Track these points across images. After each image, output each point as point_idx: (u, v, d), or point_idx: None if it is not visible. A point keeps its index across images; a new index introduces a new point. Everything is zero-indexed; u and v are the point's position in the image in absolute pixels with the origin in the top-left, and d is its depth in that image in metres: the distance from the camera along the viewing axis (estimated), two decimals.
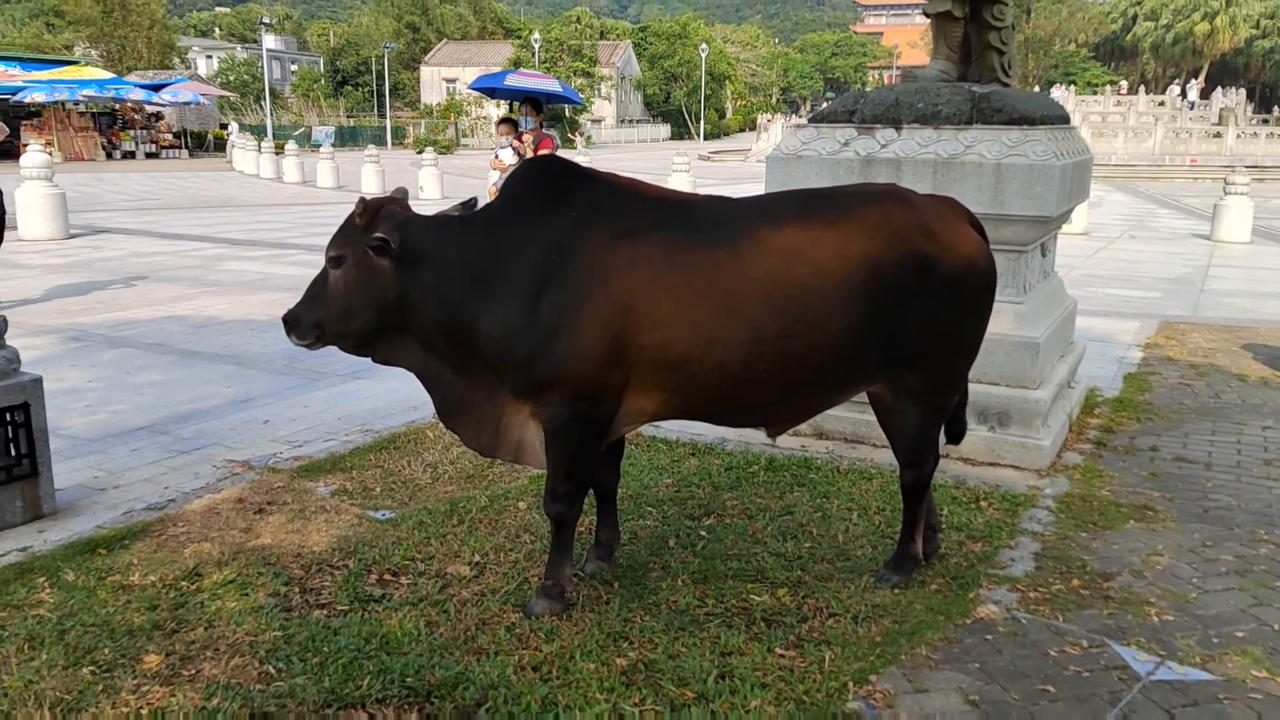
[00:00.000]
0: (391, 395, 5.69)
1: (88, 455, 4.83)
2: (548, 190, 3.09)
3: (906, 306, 3.03)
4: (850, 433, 5.04)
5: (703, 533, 3.91)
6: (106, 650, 2.98)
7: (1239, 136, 31.57)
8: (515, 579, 3.48)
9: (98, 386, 6.11)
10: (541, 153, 8.79)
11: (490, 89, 11.02)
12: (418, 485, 4.40)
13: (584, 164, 3.21)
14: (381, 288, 3.06)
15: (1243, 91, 47.83)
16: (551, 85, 11.27)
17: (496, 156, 9.60)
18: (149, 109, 38.70)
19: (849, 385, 3.19)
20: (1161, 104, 40.20)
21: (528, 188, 3.13)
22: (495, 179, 9.44)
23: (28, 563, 3.57)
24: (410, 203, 3.25)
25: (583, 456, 3.15)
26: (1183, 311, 9.04)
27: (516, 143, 9.18)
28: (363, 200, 3.06)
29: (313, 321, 3.14)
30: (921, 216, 3.09)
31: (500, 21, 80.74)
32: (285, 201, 21.94)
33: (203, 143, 41.95)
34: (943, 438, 3.55)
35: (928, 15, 5.14)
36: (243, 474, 4.54)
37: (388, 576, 3.51)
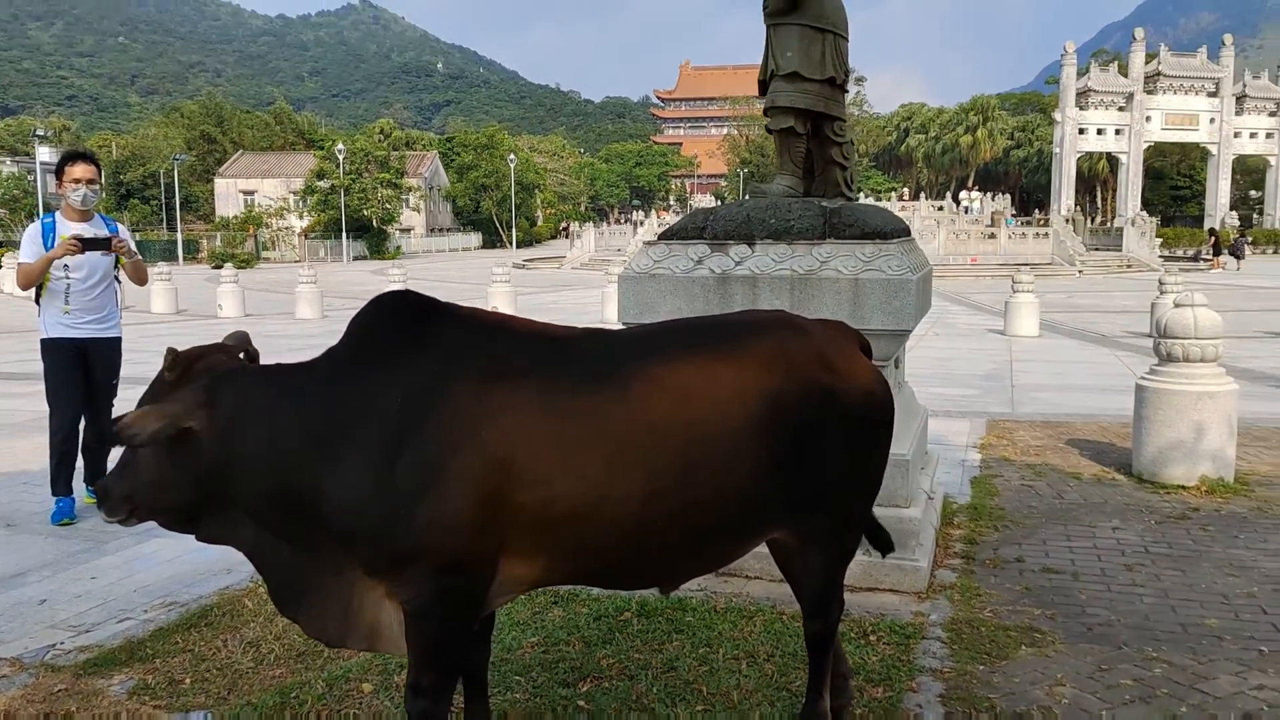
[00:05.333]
0: (198, 556, 4.92)
1: None
2: (400, 330, 2.65)
3: (810, 444, 2.76)
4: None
5: (581, 702, 3.44)
6: None
7: (1010, 237, 34.54)
8: None
9: None
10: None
11: None
12: (238, 671, 3.71)
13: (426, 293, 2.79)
14: (198, 456, 2.51)
15: (1008, 196, 52.84)
16: None
17: None
18: None
19: (756, 534, 2.87)
20: (940, 208, 43.68)
21: (376, 328, 2.68)
22: None
23: None
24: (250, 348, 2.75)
25: (451, 639, 2.66)
26: (1003, 409, 9.39)
27: None
28: (172, 351, 2.53)
29: (123, 495, 2.57)
30: (817, 345, 2.85)
31: (302, 133, 79.29)
32: None
33: None
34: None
35: (770, 131, 5.09)
36: (12, 676, 3.70)
37: None
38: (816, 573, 2.97)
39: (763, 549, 3.57)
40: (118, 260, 5.91)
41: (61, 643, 4.01)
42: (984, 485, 6.37)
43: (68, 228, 5.77)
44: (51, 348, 5.82)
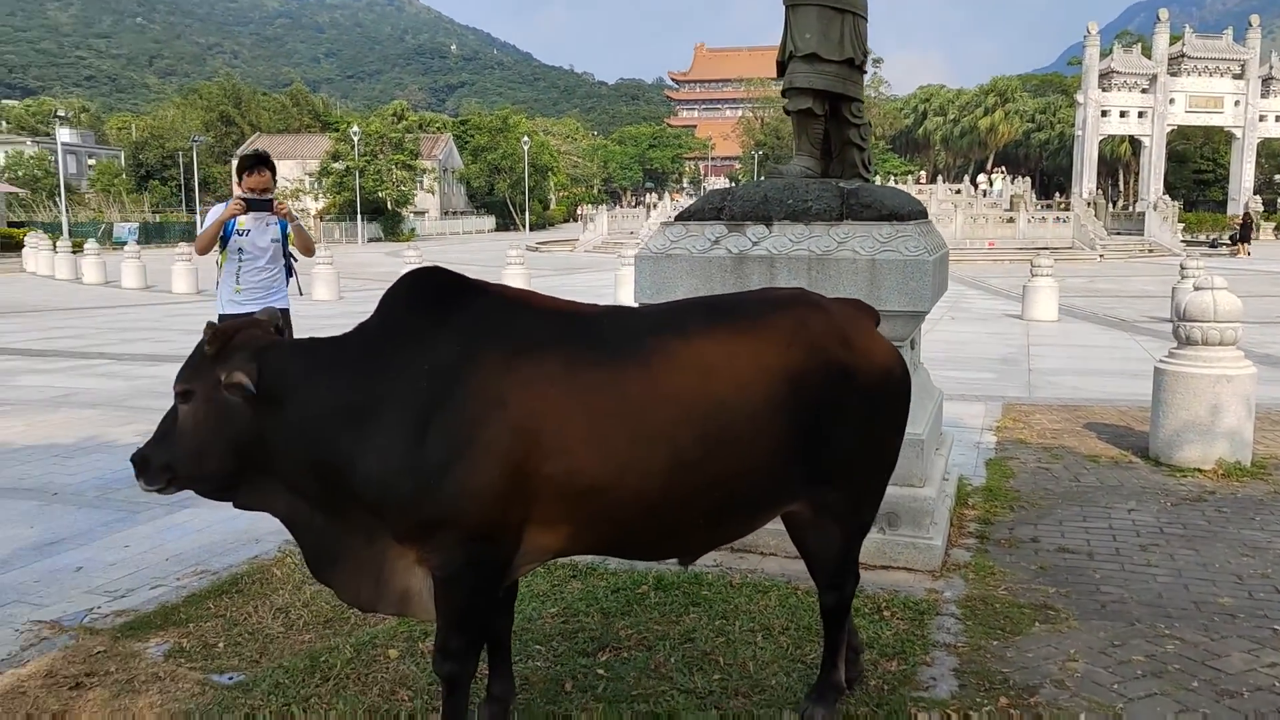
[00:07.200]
0: (228, 526, 5.05)
1: None
2: (429, 306, 2.73)
3: (827, 420, 2.82)
4: (736, 542, 4.77)
5: (601, 671, 3.53)
6: None
7: (1029, 221, 34.31)
8: None
9: None
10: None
11: None
12: (269, 636, 3.83)
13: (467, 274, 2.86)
14: (237, 426, 2.61)
15: (1028, 179, 52.51)
16: None
17: None
18: None
19: (773, 507, 2.94)
20: (958, 192, 43.45)
21: (405, 304, 2.77)
22: None
23: None
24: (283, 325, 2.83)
25: (478, 605, 2.75)
26: (1019, 393, 9.40)
27: None
28: (211, 326, 2.62)
29: (162, 464, 2.68)
30: (837, 323, 2.91)
31: (317, 115, 79.45)
32: (87, 305, 20.30)
33: None
34: None
35: (788, 112, 5.13)
36: (52, 638, 3.82)
37: None
38: (833, 546, 3.04)
39: (778, 527, 3.69)
40: (286, 239, 6.21)
41: (99, 607, 4.14)
42: (999, 467, 6.41)
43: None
44: None
